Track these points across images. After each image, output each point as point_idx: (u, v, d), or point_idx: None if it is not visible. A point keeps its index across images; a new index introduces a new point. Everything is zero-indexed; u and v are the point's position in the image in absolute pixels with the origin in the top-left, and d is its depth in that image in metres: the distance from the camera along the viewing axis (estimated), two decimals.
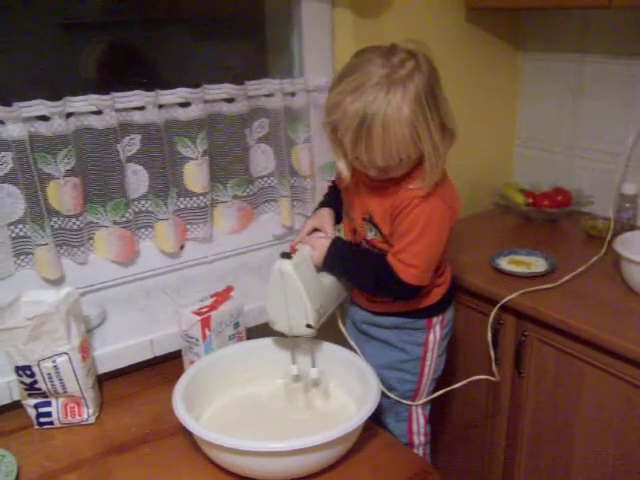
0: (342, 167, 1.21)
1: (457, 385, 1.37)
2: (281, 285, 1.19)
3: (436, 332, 1.35)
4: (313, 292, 1.20)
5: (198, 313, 1.26)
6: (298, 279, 1.17)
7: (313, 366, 1.24)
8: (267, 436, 1.10)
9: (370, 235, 1.27)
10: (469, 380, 1.37)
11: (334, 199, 1.39)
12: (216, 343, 1.29)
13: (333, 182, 1.45)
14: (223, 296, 1.32)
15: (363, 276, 1.27)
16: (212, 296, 1.32)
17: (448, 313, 1.38)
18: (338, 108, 1.11)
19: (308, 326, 1.20)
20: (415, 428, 1.42)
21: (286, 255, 1.20)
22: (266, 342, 1.29)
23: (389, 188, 1.21)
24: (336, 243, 1.28)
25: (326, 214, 1.35)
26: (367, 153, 1.12)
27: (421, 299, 1.31)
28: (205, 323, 1.26)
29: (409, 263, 1.19)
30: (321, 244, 1.27)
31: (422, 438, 1.43)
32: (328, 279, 1.29)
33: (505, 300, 1.44)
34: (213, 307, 1.28)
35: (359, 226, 1.29)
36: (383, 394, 1.14)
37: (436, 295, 1.33)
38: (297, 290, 1.18)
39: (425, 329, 1.34)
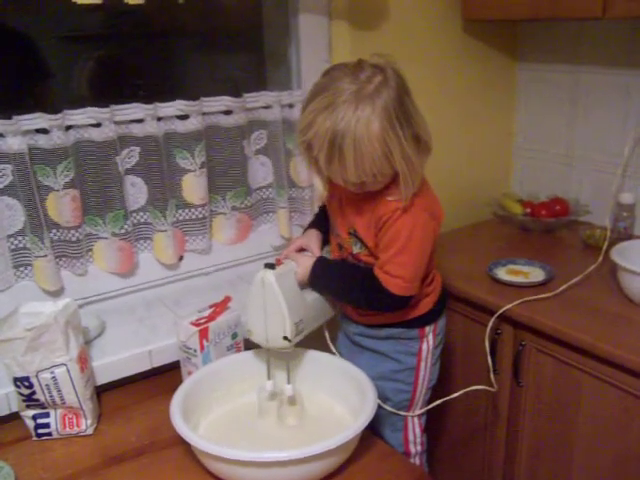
0: (319, 184, 1.21)
1: (454, 395, 1.37)
2: (262, 295, 1.19)
3: (429, 341, 1.35)
4: (293, 305, 1.20)
5: (196, 324, 1.27)
6: (279, 290, 1.18)
7: (288, 383, 1.23)
8: (265, 446, 1.10)
9: (356, 249, 1.27)
10: (466, 390, 1.37)
11: (323, 220, 1.40)
12: (214, 354, 1.29)
13: (324, 203, 1.45)
14: (221, 307, 1.32)
15: (351, 292, 1.27)
16: (210, 307, 1.33)
17: (440, 321, 1.38)
18: (311, 127, 1.12)
19: (285, 339, 1.19)
20: (411, 438, 1.42)
21: (270, 266, 1.20)
22: (264, 353, 1.29)
23: (369, 201, 1.21)
24: (321, 261, 1.28)
25: (314, 234, 1.37)
26: (341, 170, 1.13)
27: (412, 309, 1.31)
28: (203, 334, 1.26)
29: (395, 274, 1.20)
30: (305, 261, 1.28)
31: (419, 447, 1.43)
32: (312, 296, 1.29)
33: (503, 310, 1.45)
34: (211, 318, 1.29)
35: (345, 241, 1.29)
36: (378, 405, 1.13)
37: (427, 304, 1.33)
38: (277, 301, 1.18)
39: (418, 338, 1.34)
